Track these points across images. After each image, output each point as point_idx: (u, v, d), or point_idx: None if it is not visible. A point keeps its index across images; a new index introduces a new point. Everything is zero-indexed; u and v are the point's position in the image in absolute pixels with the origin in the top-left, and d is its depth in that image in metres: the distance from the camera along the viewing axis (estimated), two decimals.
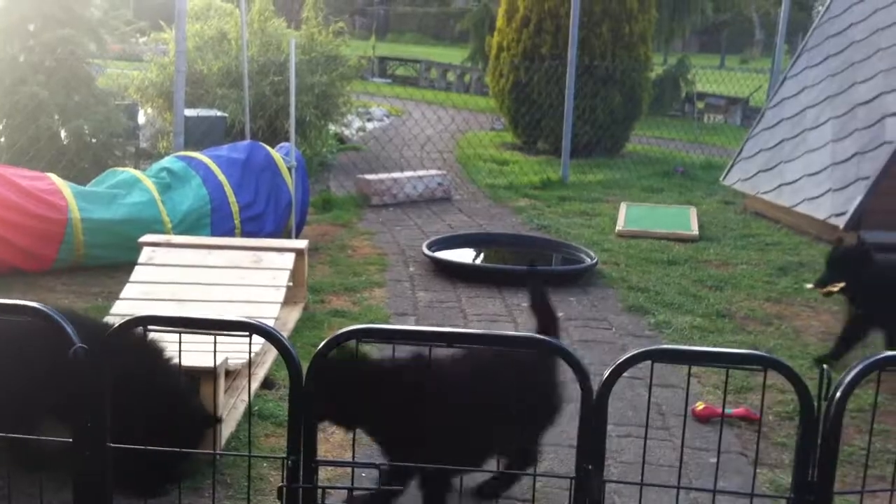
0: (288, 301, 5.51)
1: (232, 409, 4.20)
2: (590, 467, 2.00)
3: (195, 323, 2.35)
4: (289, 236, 7.08)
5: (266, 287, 5.43)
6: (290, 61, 6.99)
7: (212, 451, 2.48)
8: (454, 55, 24.06)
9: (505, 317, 5.92)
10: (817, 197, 8.31)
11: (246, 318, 5.14)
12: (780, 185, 8.88)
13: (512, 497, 3.53)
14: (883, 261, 5.15)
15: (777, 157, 9.13)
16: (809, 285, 5.39)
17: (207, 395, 3.68)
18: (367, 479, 3.52)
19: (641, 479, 2.13)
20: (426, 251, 7.03)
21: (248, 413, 4.00)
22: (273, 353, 4.90)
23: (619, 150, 13.11)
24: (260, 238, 6.47)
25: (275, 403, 4.38)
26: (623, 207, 9.10)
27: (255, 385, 4.48)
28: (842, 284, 5.06)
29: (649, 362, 2.19)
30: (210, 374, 3.67)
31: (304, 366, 2.09)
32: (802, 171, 8.62)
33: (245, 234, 6.78)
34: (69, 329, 1.96)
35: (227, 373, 4.15)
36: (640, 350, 2.09)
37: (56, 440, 2.00)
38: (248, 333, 2.00)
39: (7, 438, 2.06)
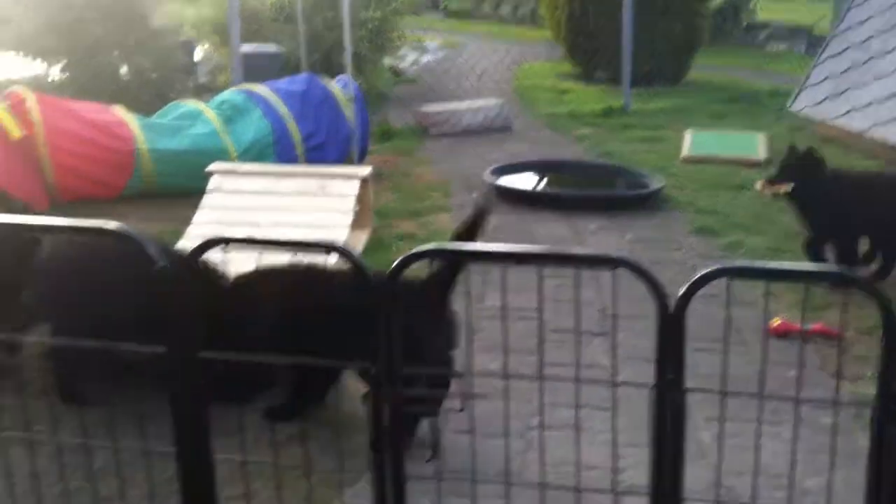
0: (355, 226, 5.53)
1: None
2: (671, 376, 1.98)
3: (275, 242, 2.37)
4: (351, 164, 7.07)
5: (333, 212, 5.45)
6: None
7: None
8: None
9: (572, 241, 5.86)
10: (888, 122, 8.05)
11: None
12: (849, 111, 8.62)
13: (591, 405, 3.52)
14: (833, 173, 5.15)
15: (845, 83, 8.85)
16: (758, 183, 5.34)
17: None
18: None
19: (723, 388, 2.12)
20: (490, 177, 6.97)
21: None
22: None
23: (680, 79, 12.79)
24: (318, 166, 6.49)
25: None
26: (688, 134, 8.91)
27: None
28: (788, 187, 5.11)
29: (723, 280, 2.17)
30: None
31: None
32: (872, 97, 8.36)
33: (308, 163, 6.79)
34: (152, 248, 1.98)
35: None
36: (717, 267, 2.08)
37: (149, 350, 2.02)
38: (325, 252, 2.00)
39: (103, 350, 2.10)
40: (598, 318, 4.59)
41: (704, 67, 13.45)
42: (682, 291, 2.05)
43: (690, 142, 8.62)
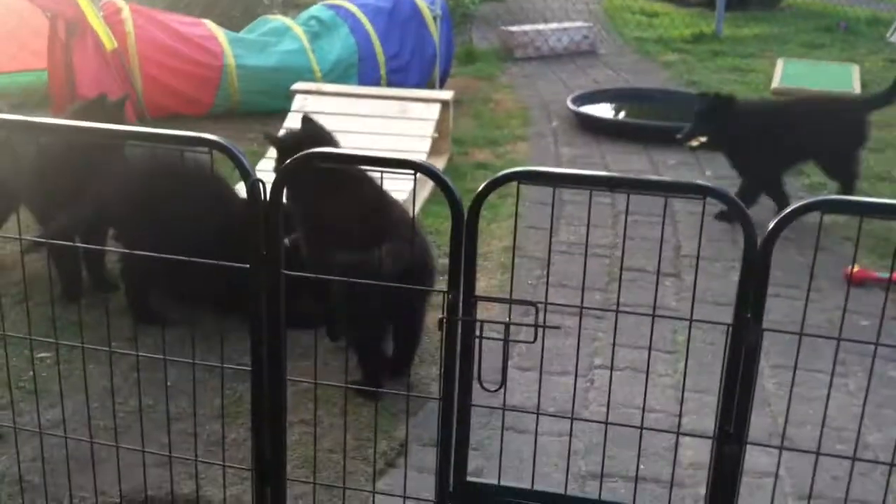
0: (433, 152, 5.57)
1: None
2: (749, 315, 1.99)
3: (363, 160, 2.43)
4: (433, 88, 7.09)
5: (412, 137, 5.50)
6: None
7: (379, 283, 2.60)
8: None
9: (650, 173, 5.82)
10: None
11: None
12: None
13: (656, 349, 3.57)
14: (744, 108, 5.04)
15: None
16: (679, 135, 5.19)
17: None
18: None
19: (801, 330, 2.10)
20: (571, 105, 6.91)
21: None
22: (420, 200, 5.02)
23: (776, 3, 12.29)
24: (399, 88, 6.52)
25: None
26: (780, 63, 8.62)
27: None
28: (704, 138, 5.05)
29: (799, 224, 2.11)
30: None
31: None
32: None
33: (390, 84, 6.83)
34: (246, 162, 2.05)
35: None
36: (809, 200, 2.02)
37: (234, 265, 2.13)
38: (413, 172, 2.05)
39: (188, 263, 2.20)
40: (672, 258, 4.58)
41: None
42: (771, 225, 1.97)
43: (782, 72, 8.36)
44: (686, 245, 4.71)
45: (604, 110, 7.18)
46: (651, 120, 7.09)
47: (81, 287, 3.94)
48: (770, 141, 4.92)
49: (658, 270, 2.37)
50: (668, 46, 9.68)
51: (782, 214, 1.97)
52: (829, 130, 4.97)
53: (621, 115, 7.30)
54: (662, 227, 2.27)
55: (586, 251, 2.43)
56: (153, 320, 3.65)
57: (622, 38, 10.17)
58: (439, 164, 5.72)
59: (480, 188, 2.06)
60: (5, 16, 6.23)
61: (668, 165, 5.95)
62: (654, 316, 2.21)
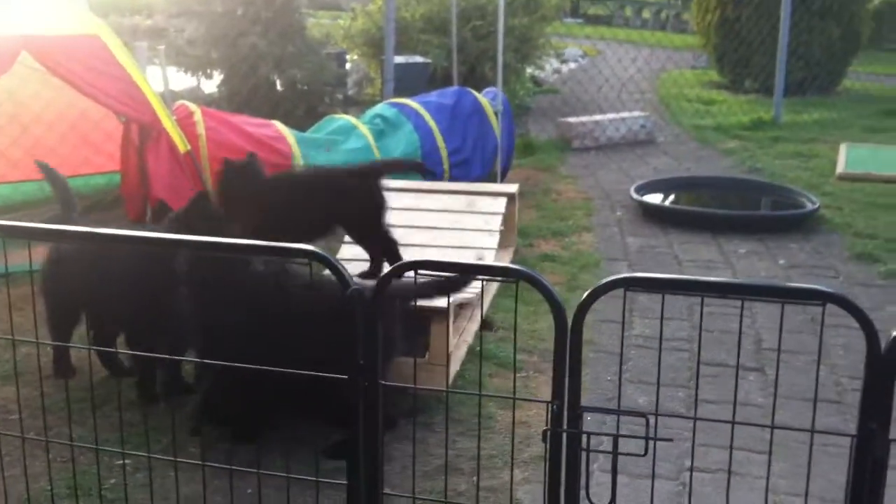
0: (499, 245, 5.55)
1: (455, 348, 4.31)
2: (875, 426, 1.89)
3: (465, 268, 2.40)
4: (494, 181, 7.12)
5: (480, 231, 5.48)
6: (500, 4, 6.95)
7: (477, 393, 2.55)
8: None
9: (721, 264, 5.72)
10: None
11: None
12: None
13: (748, 449, 3.44)
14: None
15: None
16: None
17: (438, 335, 3.79)
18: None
19: None
20: (634, 195, 6.88)
21: (514, 356, 4.10)
22: (490, 295, 4.99)
23: (834, 88, 12.30)
24: (468, 182, 6.55)
25: (495, 345, 4.45)
26: (843, 148, 8.54)
27: (474, 326, 4.57)
28: None
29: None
30: (443, 313, 3.80)
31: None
32: None
33: (452, 178, 6.87)
34: (345, 271, 2.04)
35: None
36: None
37: (332, 376, 2.09)
38: (515, 280, 2.02)
39: (284, 374, 2.18)
40: (753, 352, 4.46)
41: (860, 75, 12.87)
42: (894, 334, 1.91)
43: (846, 157, 8.28)
44: (767, 337, 4.58)
45: (667, 199, 7.14)
46: (716, 208, 7.02)
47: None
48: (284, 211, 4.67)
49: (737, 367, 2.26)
50: (726, 133, 9.67)
51: None
52: (341, 200, 4.68)
53: (685, 203, 7.24)
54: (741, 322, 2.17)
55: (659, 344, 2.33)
56: (253, 435, 3.47)
57: (680, 126, 10.19)
58: (506, 257, 5.70)
59: (585, 297, 2.02)
60: (79, 121, 6.42)
61: (739, 254, 5.86)
62: (772, 427, 2.10)
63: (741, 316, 2.21)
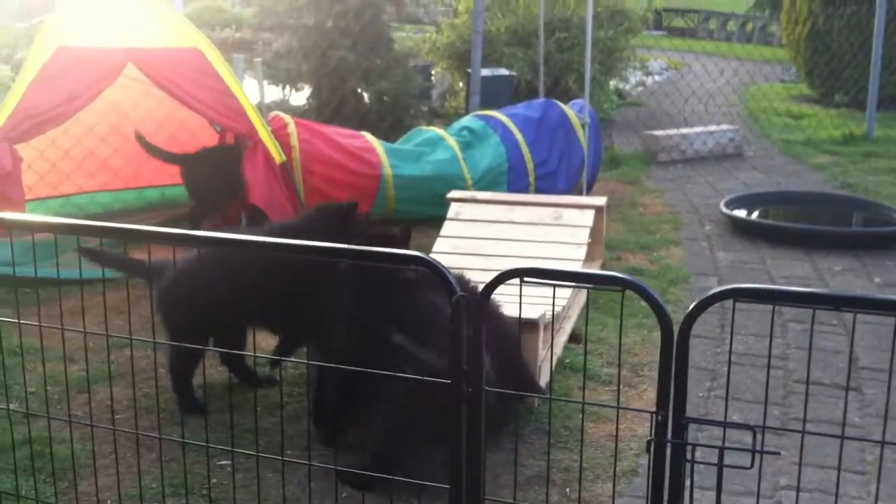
0: (587, 258, 5.54)
1: (543, 360, 4.32)
2: None
3: (568, 276, 2.43)
4: (580, 193, 7.11)
5: (567, 244, 5.48)
6: (588, 17, 6.97)
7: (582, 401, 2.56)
8: (735, 3, 22.87)
9: (815, 280, 5.61)
10: None
11: None
12: None
13: (845, 469, 3.37)
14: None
15: None
16: None
17: (530, 346, 3.82)
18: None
19: None
20: (724, 209, 6.79)
21: (618, 364, 4.09)
22: (578, 307, 4.98)
23: None
24: (554, 195, 6.56)
25: (585, 358, 4.44)
26: None
27: (563, 338, 4.58)
28: None
29: None
30: (534, 325, 3.82)
31: None
32: None
33: (538, 191, 6.89)
34: (452, 279, 2.08)
35: None
36: None
37: (435, 380, 2.14)
38: (620, 288, 2.03)
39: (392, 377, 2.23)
40: (849, 371, 4.35)
41: None
42: None
43: None
44: (863, 356, 4.47)
45: (757, 214, 7.02)
46: (808, 224, 6.88)
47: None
48: None
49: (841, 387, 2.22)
50: (817, 148, 9.47)
51: None
52: None
53: (776, 218, 7.11)
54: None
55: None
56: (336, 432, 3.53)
57: (769, 140, 10.01)
58: (593, 270, 5.69)
59: (692, 307, 2.01)
60: (179, 130, 6.57)
61: (833, 272, 5.73)
62: (882, 444, 2.06)
63: (853, 332, 2.16)
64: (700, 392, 4.12)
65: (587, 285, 2.27)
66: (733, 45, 15.35)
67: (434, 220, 5.84)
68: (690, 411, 3.89)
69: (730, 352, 2.50)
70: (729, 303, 2.16)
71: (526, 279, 2.10)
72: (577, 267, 5.32)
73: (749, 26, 20.18)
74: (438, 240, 5.50)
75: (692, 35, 20.60)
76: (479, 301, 2.12)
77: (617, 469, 3.44)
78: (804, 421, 2.21)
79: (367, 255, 2.33)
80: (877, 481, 2.42)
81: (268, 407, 3.92)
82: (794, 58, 12.68)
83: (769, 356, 2.37)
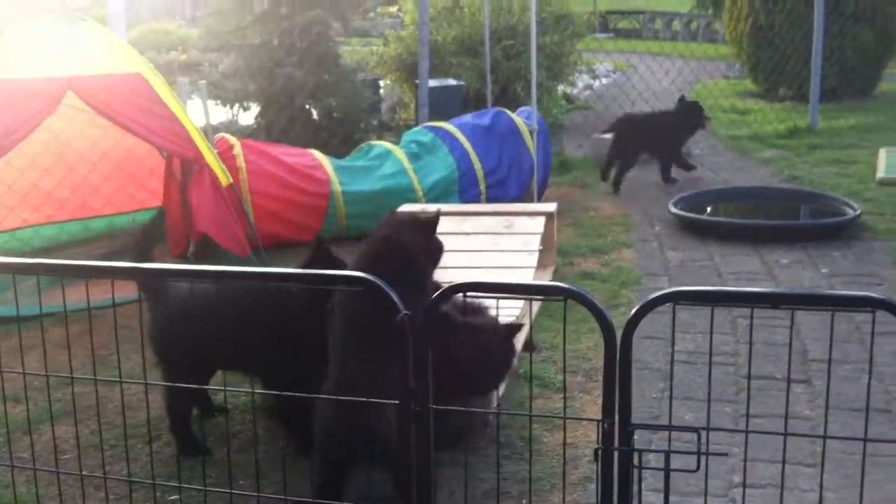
0: (539, 264, 5.57)
1: None
2: None
3: (512, 288, 2.45)
4: (531, 200, 7.16)
5: (519, 252, 5.52)
6: (532, 24, 7.03)
7: (528, 413, 2.58)
8: (679, 3, 23.19)
9: (763, 275, 5.70)
10: None
11: None
12: None
13: (797, 462, 3.43)
14: None
15: None
16: None
17: None
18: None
19: None
20: (672, 209, 6.87)
21: (563, 375, 4.11)
22: (534, 315, 5.01)
23: (871, 92, 12.20)
24: (504, 203, 6.61)
25: (538, 366, 4.47)
26: (882, 153, 8.46)
27: (517, 347, 4.59)
28: None
29: None
30: None
31: None
32: None
33: (489, 199, 6.93)
34: (395, 297, 2.09)
35: None
36: None
37: (383, 402, 2.14)
38: (562, 298, 2.06)
39: (336, 401, 2.23)
40: (798, 363, 4.43)
41: None
42: None
43: (886, 162, 8.20)
44: (813, 348, 4.56)
45: (706, 211, 7.12)
46: (757, 219, 6.99)
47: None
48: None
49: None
50: (763, 142, 9.62)
51: None
52: None
53: (725, 215, 7.21)
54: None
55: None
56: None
57: (716, 136, 10.15)
58: (546, 276, 5.73)
59: (633, 313, 2.05)
60: (125, 159, 6.56)
61: (781, 265, 5.83)
62: (825, 438, 2.10)
63: (791, 327, 2.21)
64: (654, 393, 4.16)
65: (530, 297, 2.28)
66: (678, 44, 15.53)
67: None
68: (645, 413, 3.97)
69: (672, 353, 2.54)
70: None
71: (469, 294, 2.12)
72: (529, 274, 5.36)
73: (693, 25, 20.46)
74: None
75: (638, 36, 20.86)
76: (425, 320, 2.14)
77: (573, 477, 3.46)
78: (747, 417, 2.23)
79: (309, 277, 2.34)
80: (820, 475, 2.45)
81: (219, 437, 3.87)
82: (738, 54, 12.89)
83: (710, 356, 2.41)
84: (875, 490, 3.17)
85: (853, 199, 6.98)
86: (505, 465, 3.55)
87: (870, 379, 2.51)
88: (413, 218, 3.66)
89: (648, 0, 26.05)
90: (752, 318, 2.40)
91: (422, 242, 3.53)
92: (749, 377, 2.46)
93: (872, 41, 11.76)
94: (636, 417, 3.83)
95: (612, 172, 7.91)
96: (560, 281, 5.69)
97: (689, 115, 7.95)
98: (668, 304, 2.21)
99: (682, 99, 8.15)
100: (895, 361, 4.35)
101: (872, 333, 2.11)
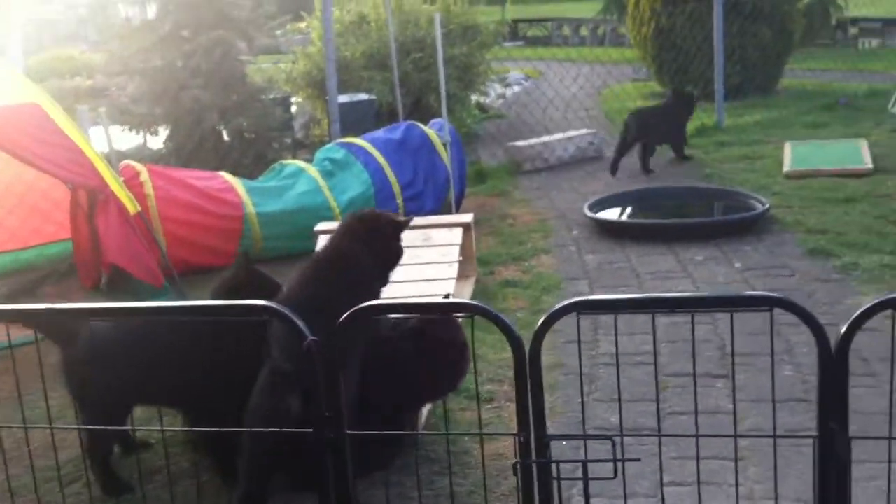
0: (459, 276, 5.56)
1: None
2: (834, 426, 1.92)
3: (419, 308, 2.40)
4: (448, 211, 7.15)
5: (438, 264, 5.49)
6: (437, 37, 7.02)
7: (445, 433, 2.54)
8: (585, 8, 23.59)
9: (679, 273, 5.78)
10: None
11: (424, 295, 5.21)
12: None
13: (722, 457, 3.46)
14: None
15: None
16: None
17: None
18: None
19: (889, 434, 2.02)
20: (588, 212, 6.94)
21: (476, 390, 4.07)
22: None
23: (773, 88, 12.56)
24: (422, 216, 6.57)
25: (466, 378, 4.43)
26: (787, 147, 8.71)
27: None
28: None
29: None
30: None
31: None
32: None
33: (407, 212, 6.88)
34: (301, 323, 2.03)
35: None
36: (880, 299, 1.98)
37: (298, 431, 2.08)
38: (470, 315, 2.03)
39: (249, 433, 2.15)
40: (718, 358, 4.50)
41: (796, 73, 13.15)
42: (843, 331, 1.95)
43: (791, 155, 8.43)
44: (730, 341, 4.62)
45: (623, 213, 7.21)
46: (670, 218, 7.11)
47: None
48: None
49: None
50: None
51: (851, 319, 1.93)
52: None
53: (640, 216, 7.32)
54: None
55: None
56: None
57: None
58: (467, 287, 5.71)
59: (539, 325, 2.03)
60: (27, 192, 6.35)
61: (696, 262, 5.93)
62: (735, 437, 2.11)
63: (692, 326, 2.22)
64: (579, 398, 4.16)
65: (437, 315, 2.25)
66: (582, 49, 15.77)
67: (305, 255, 5.75)
68: (572, 418, 3.97)
69: (580, 364, 2.51)
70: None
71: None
72: (450, 286, 5.34)
73: (600, 30, 20.81)
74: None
75: (547, 43, 21.11)
76: (332, 346, 2.08)
77: (503, 488, 3.44)
78: (658, 422, 2.23)
79: (210, 308, 2.26)
80: (738, 470, 2.47)
81: (147, 472, 3.74)
82: (643, 57, 13.14)
83: (617, 361, 2.42)
84: (797, 479, 3.22)
85: (762, 193, 7.16)
86: (437, 480, 3.51)
87: (773, 374, 2.53)
88: (386, 218, 3.56)
89: (555, 7, 26.46)
90: (653, 321, 2.41)
91: (384, 244, 3.47)
92: (656, 379, 2.45)
93: (771, 39, 12.12)
94: (565, 423, 3.87)
95: (622, 162, 8.61)
96: (481, 291, 5.69)
97: (687, 104, 8.97)
98: (586, 313, 2.21)
99: (675, 91, 9.40)
100: (812, 351, 4.43)
101: (772, 330, 2.14)
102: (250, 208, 6.31)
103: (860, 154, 8.24)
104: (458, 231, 5.71)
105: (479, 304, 2.06)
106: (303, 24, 12.28)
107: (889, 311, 2.01)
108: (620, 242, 6.48)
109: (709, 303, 2.19)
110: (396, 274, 5.36)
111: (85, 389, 3.31)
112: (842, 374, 1.91)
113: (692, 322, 2.23)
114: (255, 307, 2.06)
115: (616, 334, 2.54)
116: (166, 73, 8.32)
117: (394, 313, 2.15)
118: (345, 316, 2.10)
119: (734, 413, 2.44)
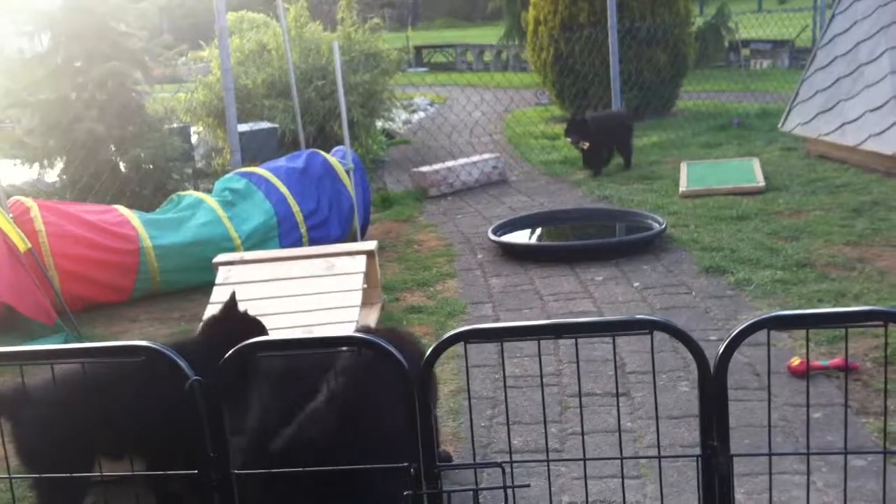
0: (365, 303, 5.53)
1: None
2: (715, 444, 1.96)
3: (305, 343, 2.36)
4: (354, 239, 7.12)
5: (342, 292, 5.46)
6: (336, 64, 7.00)
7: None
8: (488, 35, 23.93)
9: (581, 293, 5.87)
10: (882, 132, 8.10)
11: (328, 323, 5.16)
12: (842, 125, 8.66)
13: (628, 476, 3.51)
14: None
15: (835, 96, 8.89)
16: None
17: None
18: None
19: (770, 450, 2.08)
20: (492, 236, 7.00)
21: None
22: None
23: (669, 110, 12.92)
24: (327, 244, 6.53)
25: None
26: (684, 167, 8.96)
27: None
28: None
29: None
30: None
31: None
32: (864, 108, 8.39)
33: (312, 241, 6.83)
34: (183, 364, 1.98)
35: None
36: (754, 320, 2.03)
37: (182, 473, 2.02)
38: (355, 348, 2.01)
39: (133, 476, 2.08)
40: (619, 377, 4.56)
41: (691, 94, 13.56)
42: (721, 351, 1.98)
43: (687, 175, 8.67)
44: (629, 360, 4.71)
45: (525, 236, 7.30)
46: (572, 240, 7.23)
47: None
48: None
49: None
50: (574, 165, 9.97)
51: (729, 338, 1.98)
52: None
53: (543, 238, 7.42)
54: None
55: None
56: None
57: (529, 163, 10.46)
58: (372, 314, 5.68)
59: (427, 355, 2.02)
60: None
61: (596, 283, 6.03)
62: (621, 459, 2.14)
63: (576, 349, 2.24)
64: (482, 422, 4.18)
65: (327, 349, 2.22)
66: (485, 75, 15.97)
67: (206, 287, 5.65)
68: (476, 443, 3.96)
69: (468, 390, 2.51)
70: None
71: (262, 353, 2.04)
72: (355, 313, 5.31)
73: (504, 55, 21.11)
74: (209, 307, 5.31)
75: (452, 69, 21.30)
76: (214, 386, 2.03)
77: None
78: (546, 447, 2.25)
79: (90, 351, 2.18)
80: (622, 491, 2.51)
81: None
82: (544, 82, 13.37)
83: (505, 387, 2.41)
84: (695, 494, 3.28)
85: (659, 212, 7.34)
86: None
87: (655, 395, 2.59)
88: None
89: (459, 33, 26.73)
90: (539, 347, 2.43)
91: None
92: (543, 402, 2.47)
93: (666, 62, 12.48)
94: (466, 450, 3.87)
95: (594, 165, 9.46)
96: (387, 318, 5.67)
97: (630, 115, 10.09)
98: (473, 342, 2.21)
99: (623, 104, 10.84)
100: None
101: (652, 351, 2.18)
102: (147, 241, 6.15)
103: (752, 173, 8.53)
104: (362, 259, 5.69)
105: (368, 337, 2.04)
106: (204, 53, 12.11)
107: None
108: (524, 265, 6.55)
109: (591, 327, 2.21)
110: (300, 303, 5.35)
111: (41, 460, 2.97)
112: (721, 393, 1.96)
113: (576, 348, 2.25)
114: (137, 348, 2.00)
115: (503, 360, 2.53)
116: (59, 105, 8.08)
117: (281, 350, 2.10)
118: (230, 353, 2.06)
119: (619, 433, 2.46)
